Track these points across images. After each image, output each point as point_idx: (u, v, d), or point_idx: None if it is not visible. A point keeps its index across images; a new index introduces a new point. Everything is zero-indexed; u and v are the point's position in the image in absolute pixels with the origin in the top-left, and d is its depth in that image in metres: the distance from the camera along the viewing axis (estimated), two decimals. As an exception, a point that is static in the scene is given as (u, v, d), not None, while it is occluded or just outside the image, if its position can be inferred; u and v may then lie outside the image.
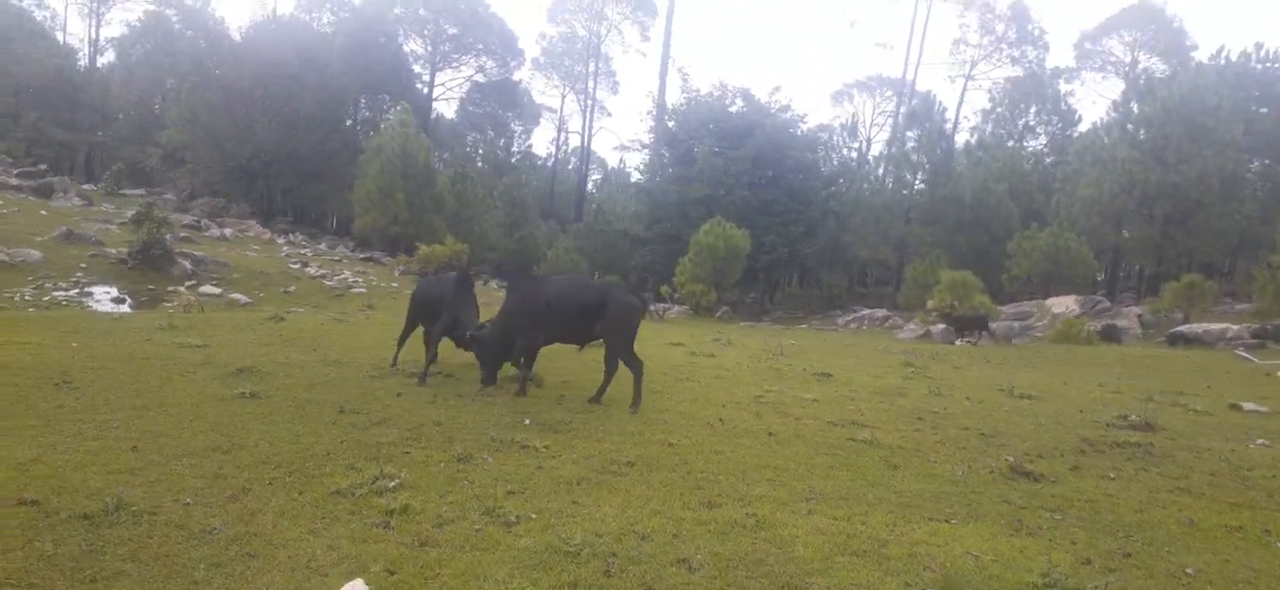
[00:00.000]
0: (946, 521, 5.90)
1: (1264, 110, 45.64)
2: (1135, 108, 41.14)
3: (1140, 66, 62.94)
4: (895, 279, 45.07)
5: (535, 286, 10.23)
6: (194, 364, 10.37)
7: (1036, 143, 57.87)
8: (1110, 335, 24.40)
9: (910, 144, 44.64)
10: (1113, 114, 43.20)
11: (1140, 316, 30.74)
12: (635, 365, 9.53)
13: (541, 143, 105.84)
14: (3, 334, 11.52)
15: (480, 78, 64.86)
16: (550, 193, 72.32)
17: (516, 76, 67.36)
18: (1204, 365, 17.72)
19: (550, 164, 78.30)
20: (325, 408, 8.36)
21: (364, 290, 24.00)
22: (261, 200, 47.32)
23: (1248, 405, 11.65)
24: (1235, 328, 23.42)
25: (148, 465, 6.10)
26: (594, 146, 74.76)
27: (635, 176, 67.04)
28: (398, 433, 7.50)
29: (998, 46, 67.87)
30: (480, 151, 69.56)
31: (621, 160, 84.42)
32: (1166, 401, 11.90)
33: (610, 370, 9.61)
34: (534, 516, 5.44)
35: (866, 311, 38.07)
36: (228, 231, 34.52)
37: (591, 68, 71.84)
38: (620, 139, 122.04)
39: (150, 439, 6.83)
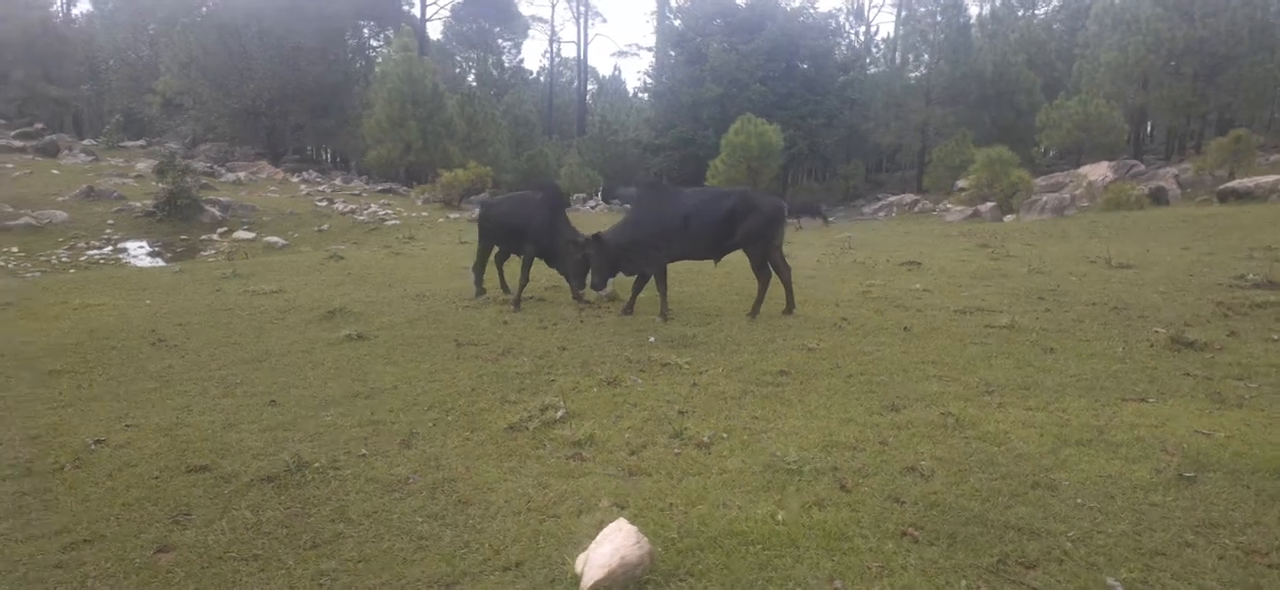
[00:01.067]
0: (1142, 400, 5.62)
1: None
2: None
3: None
4: (918, 163, 44.38)
5: (669, 199, 9.73)
6: (278, 310, 10.04)
7: (1047, 9, 56.44)
8: (1159, 198, 23.92)
9: (928, 21, 43.40)
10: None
11: (1176, 176, 30.24)
12: (784, 270, 9.15)
13: (531, 56, 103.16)
14: (73, 296, 11.19)
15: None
16: (548, 107, 70.79)
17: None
18: (1273, 218, 17.32)
19: (542, 78, 76.34)
20: (440, 343, 8.06)
21: (398, 222, 23.54)
22: (267, 140, 46.37)
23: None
24: (1287, 179, 22.91)
25: (295, 419, 5.83)
26: (587, 56, 72.64)
27: (635, 84, 65.72)
28: (529, 362, 7.20)
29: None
30: (473, 71, 68.08)
31: (617, 68, 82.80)
32: (1270, 256, 11.57)
33: (764, 280, 9.15)
34: (725, 436, 5.16)
35: (892, 198, 37.56)
36: (241, 175, 33.90)
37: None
38: (617, 45, 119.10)
39: (282, 391, 6.55)
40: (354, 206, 26.39)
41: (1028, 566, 3.49)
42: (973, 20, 47.28)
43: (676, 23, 47.55)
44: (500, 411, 5.84)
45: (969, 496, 4.14)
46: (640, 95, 74.92)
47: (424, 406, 6.03)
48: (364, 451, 5.14)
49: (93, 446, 5.33)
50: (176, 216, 22.30)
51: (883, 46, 53.07)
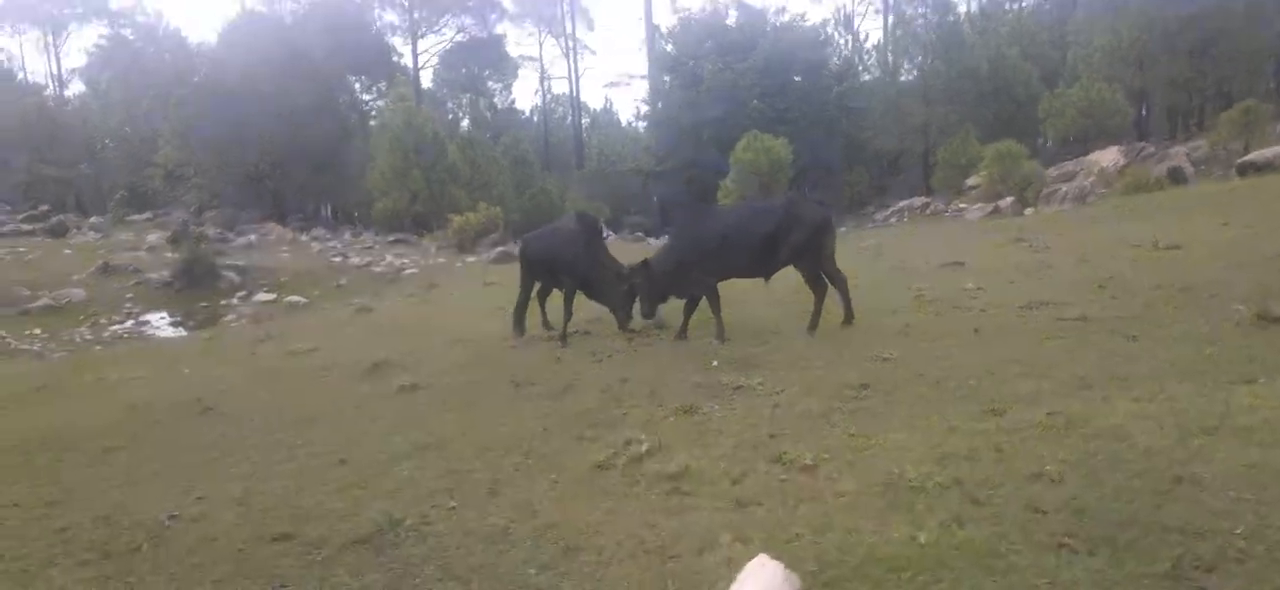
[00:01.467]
0: (1252, 381, 5.38)
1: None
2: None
3: None
4: (923, 165, 44.22)
5: (706, 218, 9.57)
6: (320, 368, 9.85)
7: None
8: (1177, 177, 23.74)
9: (919, 22, 43.43)
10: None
11: (1187, 154, 30.06)
12: (841, 280, 8.91)
13: (522, 96, 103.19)
14: (108, 372, 11.00)
15: (462, 38, 63.00)
16: (544, 145, 70.64)
17: (498, 30, 65.63)
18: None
19: (536, 117, 76.10)
20: (496, 386, 7.86)
21: (415, 271, 23.40)
22: (273, 202, 46.36)
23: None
24: (1305, 148, 22.71)
25: (369, 477, 5.61)
26: (579, 90, 72.25)
27: (628, 113, 65.71)
28: (594, 397, 6.98)
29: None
30: (466, 116, 68.00)
31: (608, 100, 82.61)
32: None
33: (820, 292, 8.90)
34: (827, 457, 4.93)
35: (902, 203, 37.34)
36: (252, 238, 33.85)
37: (565, 8, 70.01)
38: (608, 77, 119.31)
39: (347, 449, 6.33)
40: (369, 259, 26.28)
41: (1206, 569, 3.26)
42: (962, 18, 47.27)
43: (669, 48, 47.63)
44: (580, 450, 5.63)
45: (1111, 499, 3.91)
46: (635, 124, 75.08)
47: (499, 452, 5.81)
48: (452, 503, 4.93)
49: (167, 522, 5.12)
50: (195, 285, 22.17)
51: (874, 53, 53.20)
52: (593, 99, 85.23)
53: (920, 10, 44.48)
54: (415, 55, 59.23)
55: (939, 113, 42.09)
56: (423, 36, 60.04)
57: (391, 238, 34.11)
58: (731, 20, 45.93)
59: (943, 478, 4.35)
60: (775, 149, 27.32)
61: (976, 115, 40.88)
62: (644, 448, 5.41)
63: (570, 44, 70.86)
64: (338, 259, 26.98)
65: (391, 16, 58.83)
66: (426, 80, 69.20)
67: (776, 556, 3.58)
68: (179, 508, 5.38)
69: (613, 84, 79.57)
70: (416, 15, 57.86)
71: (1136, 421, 4.83)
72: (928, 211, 34.23)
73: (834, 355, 7.43)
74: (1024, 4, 54.90)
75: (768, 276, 9.21)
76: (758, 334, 8.86)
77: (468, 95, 69.26)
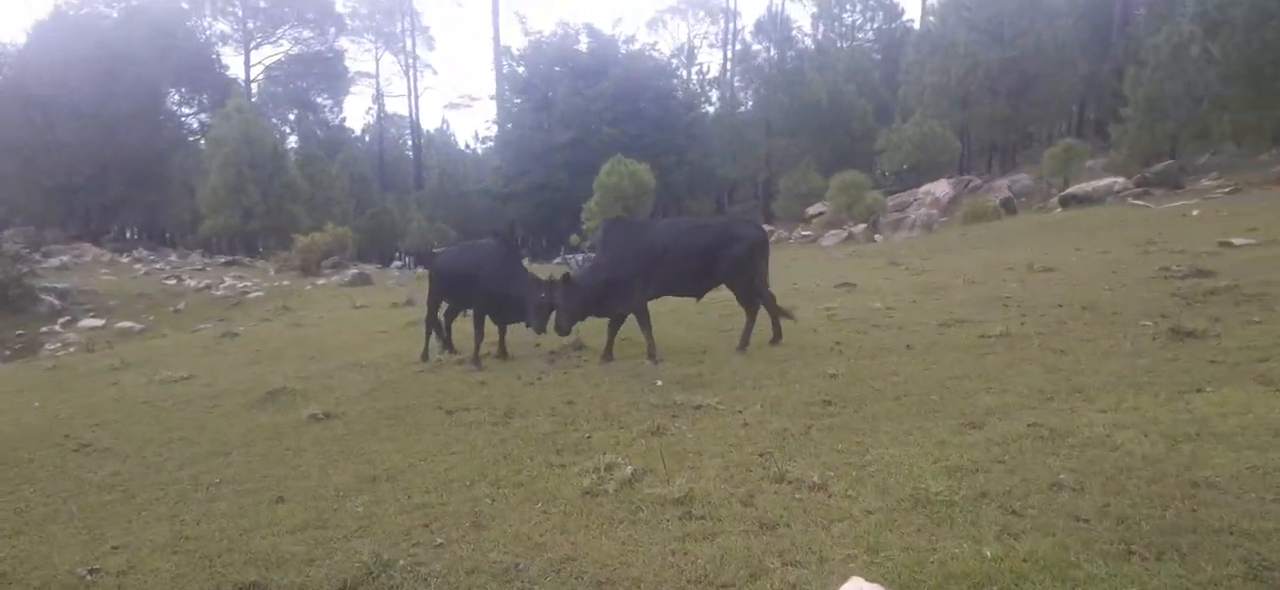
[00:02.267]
0: (1201, 390, 5.69)
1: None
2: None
3: None
4: (763, 194, 45.72)
5: (640, 233, 9.28)
6: (207, 397, 8.95)
7: (865, 38, 59.81)
8: (1009, 208, 25.57)
9: (761, 57, 45.01)
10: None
11: (1010, 186, 32.50)
12: (770, 298, 8.89)
13: (352, 113, 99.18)
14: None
15: (297, 50, 59.91)
16: (379, 164, 68.03)
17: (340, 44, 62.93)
18: (1123, 218, 18.77)
19: (366, 135, 72.97)
20: (424, 413, 7.33)
21: (262, 294, 21.83)
22: (84, 219, 42.24)
23: (1238, 240, 12.25)
24: (1120, 182, 25.00)
25: (322, 515, 5.06)
26: (418, 109, 70.08)
27: (466, 135, 64.43)
28: (546, 421, 6.60)
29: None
30: (293, 132, 64.55)
31: (444, 121, 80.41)
32: (1162, 249, 12.37)
33: (753, 312, 8.88)
34: (832, 474, 4.80)
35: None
36: (64, 259, 30.74)
37: (406, 25, 68.11)
38: (444, 98, 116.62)
39: (280, 485, 5.72)
40: (208, 281, 24.36)
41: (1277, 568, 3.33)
42: (801, 54, 49.35)
43: (520, 70, 47.17)
44: (558, 476, 5.27)
45: (1143, 505, 3.97)
46: (475, 147, 73.98)
47: (464, 482, 5.37)
48: (438, 540, 4.47)
49: (88, 577, 4.42)
50: (7, 308, 19.82)
51: (719, 85, 54.80)
52: (427, 120, 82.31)
53: (762, 45, 46.05)
54: (247, 67, 55.95)
55: (780, 143, 43.71)
56: (257, 47, 56.74)
57: (225, 259, 31.81)
58: (583, 46, 45.99)
59: (967, 491, 4.31)
60: (639, 174, 27.47)
61: (815, 147, 42.73)
62: (629, 471, 5.11)
63: (410, 61, 69.07)
64: (171, 281, 24.84)
65: (222, 25, 55.26)
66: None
67: (865, 578, 3.41)
68: (95, 560, 4.66)
69: (454, 105, 77.74)
70: (250, 24, 54.64)
71: (1120, 431, 4.97)
72: (773, 238, 35.33)
73: (779, 373, 7.37)
74: (858, 42, 57.93)
75: (700, 295, 9.13)
76: (690, 353, 8.73)
77: (295, 111, 65.89)
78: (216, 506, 5.43)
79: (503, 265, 9.19)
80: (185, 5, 52.73)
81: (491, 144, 69.33)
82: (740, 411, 6.28)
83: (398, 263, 38.28)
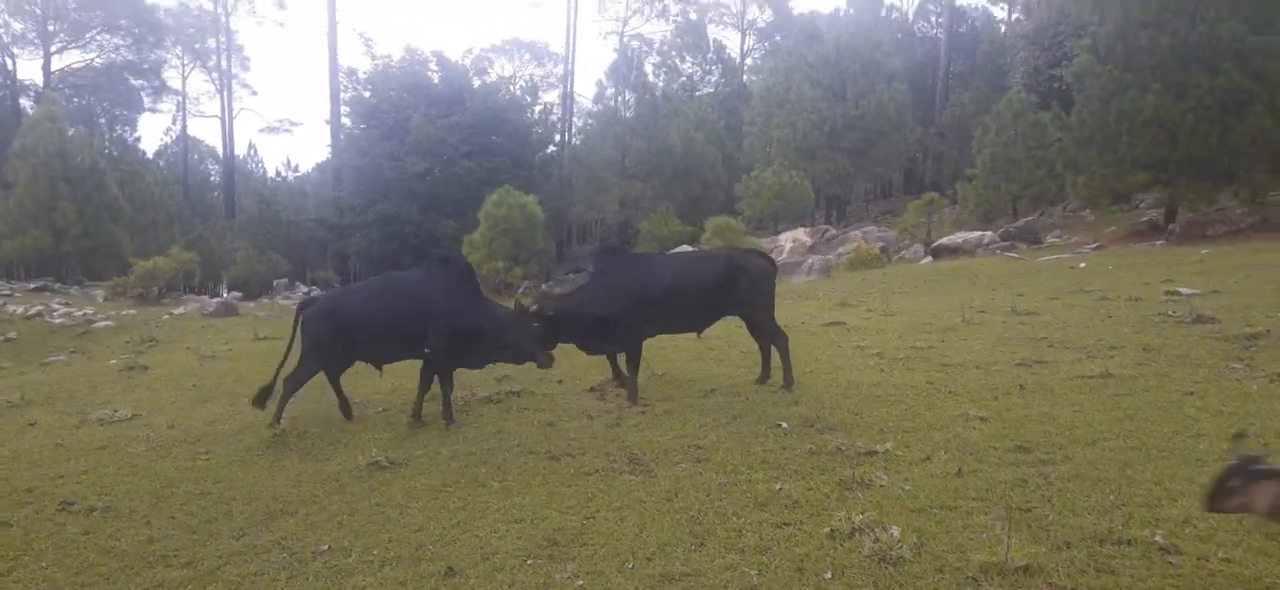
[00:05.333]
0: None
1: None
2: (804, 48, 45.02)
3: (749, 17, 70.35)
4: (620, 236, 45.47)
5: (640, 267, 8.40)
6: (182, 442, 7.40)
7: (707, 91, 61.30)
8: (888, 255, 26.45)
9: (617, 100, 44.99)
10: (774, 58, 47.14)
11: (862, 236, 33.83)
12: (781, 337, 8.24)
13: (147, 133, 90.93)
14: None
15: (102, 60, 53.91)
16: (184, 188, 61.98)
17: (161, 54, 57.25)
18: (1015, 268, 19.72)
19: (159, 159, 66.29)
20: (517, 459, 6.26)
21: (112, 323, 18.91)
22: None
23: (1184, 290, 12.88)
24: (988, 235, 26.44)
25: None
26: (233, 131, 64.47)
27: (279, 163, 60.14)
28: (699, 469, 5.74)
29: (647, 1, 70.14)
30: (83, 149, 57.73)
31: (252, 147, 74.84)
32: (1117, 299, 12.79)
33: (767, 347, 8.35)
34: (914, 537, 4.27)
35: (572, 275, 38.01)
36: None
37: (220, 41, 63.03)
38: (261, 121, 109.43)
39: (425, 551, 4.55)
40: (39, 308, 20.91)
41: None
42: (658, 97, 49.77)
43: (367, 95, 44.65)
44: (805, 539, 4.44)
45: None
46: (287, 174, 69.56)
47: (683, 545, 4.45)
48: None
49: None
50: None
51: (561, 126, 54.47)
52: (237, 144, 75.31)
53: (615, 87, 46.10)
54: (47, 73, 49.73)
55: (636, 187, 43.67)
56: (60, 51, 50.55)
57: (34, 284, 27.65)
58: (436, 74, 44.23)
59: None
60: (529, 206, 26.30)
61: (670, 192, 42.97)
62: (894, 532, 4.37)
63: (225, 80, 64.00)
64: (-16, 307, 21.15)
65: (18, 25, 48.86)
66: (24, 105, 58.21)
67: None
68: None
69: (272, 128, 72.19)
70: (51, 27, 48.76)
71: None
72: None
73: (908, 413, 6.79)
74: (700, 93, 59.23)
75: (702, 329, 8.62)
76: (736, 391, 7.99)
77: (77, 127, 58.87)
78: (356, 583, 4.21)
79: (464, 296, 7.72)
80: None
81: (318, 172, 65.69)
82: (927, 458, 5.63)
83: (231, 293, 34.76)
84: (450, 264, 8.33)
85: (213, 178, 74.14)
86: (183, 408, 8.94)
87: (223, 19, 61.19)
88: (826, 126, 41.87)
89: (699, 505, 5.03)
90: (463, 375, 8.22)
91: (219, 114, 63.38)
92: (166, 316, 19.72)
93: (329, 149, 51.54)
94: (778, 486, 5.23)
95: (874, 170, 45.13)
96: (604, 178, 43.44)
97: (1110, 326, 10.27)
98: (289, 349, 7.65)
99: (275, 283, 35.67)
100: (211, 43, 62.52)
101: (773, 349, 8.39)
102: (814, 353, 9.94)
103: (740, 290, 8.18)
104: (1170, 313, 10.69)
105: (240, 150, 71.46)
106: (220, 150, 68.59)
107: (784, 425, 6.63)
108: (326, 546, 4.82)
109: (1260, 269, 15.06)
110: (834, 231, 37.13)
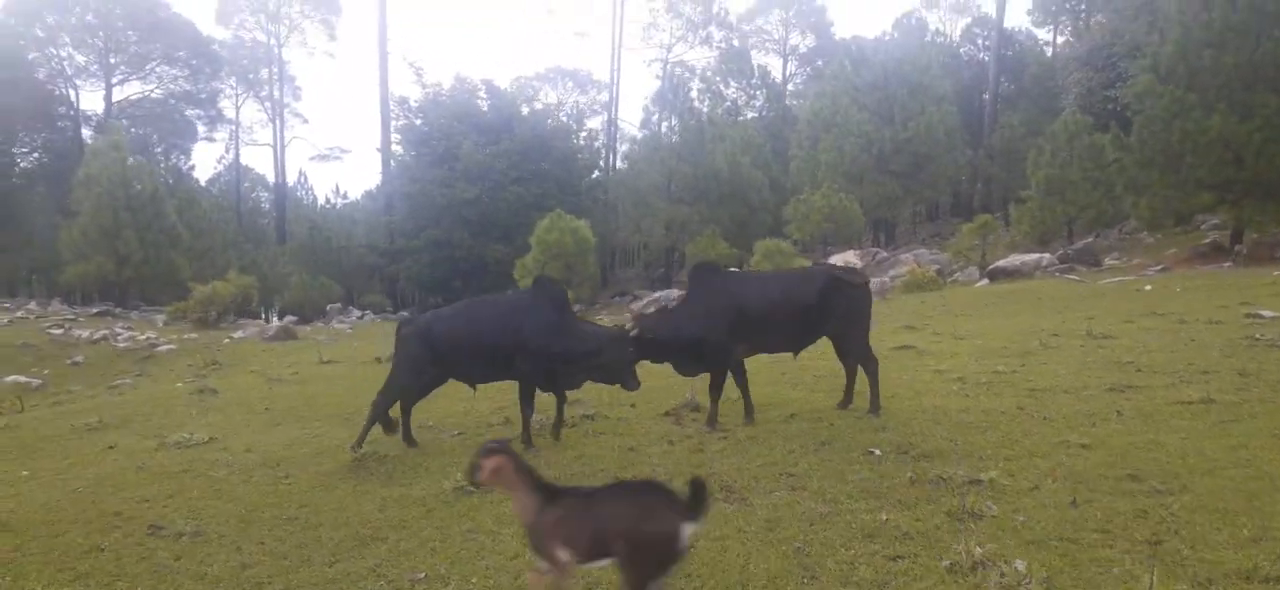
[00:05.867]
0: None
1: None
2: (851, 72, 44.81)
3: (791, 43, 70.47)
4: (665, 261, 45.47)
5: (738, 285, 8.31)
6: (259, 465, 7.46)
7: (752, 115, 61.23)
8: (944, 277, 26.07)
9: (662, 125, 45.10)
10: (819, 83, 46.93)
11: (915, 259, 33.40)
12: (872, 362, 8.06)
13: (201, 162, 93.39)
14: None
15: (158, 92, 55.32)
16: (237, 214, 63.28)
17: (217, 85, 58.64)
18: (1077, 292, 19.28)
19: (212, 187, 67.64)
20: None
21: (174, 347, 19.26)
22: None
23: (1265, 312, 12.44)
24: (1046, 257, 25.97)
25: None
26: (284, 159, 65.80)
27: (328, 190, 60.82)
28: (800, 500, 5.56)
29: (691, 28, 70.44)
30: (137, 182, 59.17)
31: (302, 174, 75.85)
32: (1194, 321, 12.37)
33: (853, 371, 8.22)
34: (1043, 572, 4.03)
35: (661, 293, 37.88)
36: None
37: (273, 72, 64.41)
38: (311, 149, 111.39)
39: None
40: (104, 332, 21.36)
41: None
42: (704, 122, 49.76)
43: (418, 123, 45.25)
44: (880, 563, 4.25)
45: None
46: (335, 201, 70.58)
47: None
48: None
49: None
50: None
51: (605, 151, 54.73)
52: (272, 171, 76.23)
53: (662, 113, 46.20)
54: (108, 104, 51.06)
55: (682, 212, 43.65)
56: (121, 83, 51.90)
57: (97, 309, 28.27)
58: (482, 102, 44.72)
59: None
60: (581, 230, 26.38)
61: (716, 216, 42.87)
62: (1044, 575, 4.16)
63: (277, 110, 65.30)
64: (57, 331, 21.62)
65: (81, 57, 50.28)
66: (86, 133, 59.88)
67: None
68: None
69: (322, 156, 73.60)
70: (112, 59, 50.11)
71: None
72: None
73: (1003, 439, 6.57)
74: (745, 116, 59.19)
75: (799, 350, 8.40)
76: (817, 416, 7.80)
77: (136, 157, 60.39)
78: None
79: (556, 320, 7.69)
80: (40, 33, 47.79)
81: (367, 198, 66.60)
82: (1035, 487, 5.42)
83: (286, 317, 35.30)
84: (544, 286, 8.17)
85: (264, 205, 75.79)
86: (258, 431, 9.00)
87: (276, 50, 62.84)
88: (875, 149, 41.58)
89: (802, 536, 4.89)
90: (537, 398, 8.15)
91: (271, 142, 64.86)
92: (227, 340, 20.00)
93: (379, 176, 52.33)
94: (883, 516, 5.06)
95: (923, 193, 44.69)
96: (650, 202, 43.44)
97: (1196, 350, 9.94)
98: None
99: (328, 307, 36.11)
100: (264, 73, 64.17)
101: (858, 373, 8.21)
102: (890, 376, 9.71)
103: (838, 310, 7.98)
104: (1258, 336, 10.34)
105: (290, 178, 72.75)
106: (271, 178, 70.29)
107: (877, 452, 6.46)
108: (423, 574, 4.76)
109: (1342, 292, 14.58)
110: (884, 254, 36.74)
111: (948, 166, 42.61)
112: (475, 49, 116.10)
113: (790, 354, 8.59)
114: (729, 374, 8.03)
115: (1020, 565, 4.19)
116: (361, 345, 18.95)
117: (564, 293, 8.34)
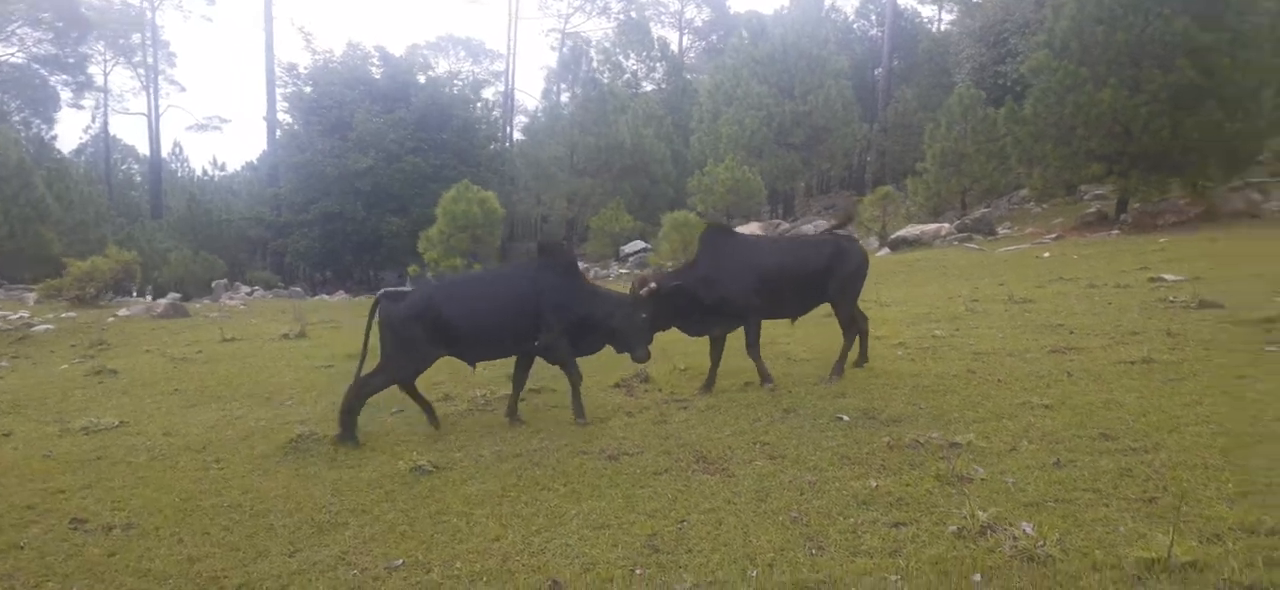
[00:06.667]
0: None
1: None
2: (750, 45, 45.15)
3: (687, 16, 70.99)
4: (569, 232, 44.97)
5: (750, 247, 8.19)
6: (184, 450, 6.84)
7: (651, 88, 61.11)
8: (849, 249, 26.53)
9: (563, 96, 44.46)
10: (718, 56, 47.13)
11: (815, 231, 33.96)
12: (853, 329, 8.20)
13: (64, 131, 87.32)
14: None
15: (20, 56, 51.14)
16: (108, 188, 59.20)
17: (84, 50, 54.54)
18: (982, 261, 19.90)
19: (80, 156, 63.41)
20: (575, 460, 5.83)
21: (52, 327, 17.77)
22: None
23: (1168, 276, 13.03)
24: (945, 227, 26.75)
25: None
26: (159, 128, 61.93)
27: (205, 162, 57.74)
28: (778, 468, 5.41)
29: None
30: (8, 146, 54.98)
31: (177, 145, 71.62)
32: (1081, 284, 12.86)
33: (851, 334, 8.18)
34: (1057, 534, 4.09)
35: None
36: None
37: (146, 37, 60.49)
38: (195, 117, 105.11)
39: (515, 563, 4.16)
40: (-30, 311, 19.57)
41: None
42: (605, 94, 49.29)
43: (308, 90, 43.25)
44: (930, 539, 4.16)
45: None
46: (213, 172, 67.37)
47: (806, 546, 4.10)
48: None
49: None
50: None
51: (526, 119, 53.74)
52: (143, 143, 71.69)
53: (565, 84, 45.54)
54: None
55: (586, 184, 43.23)
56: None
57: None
58: (377, 70, 43.08)
59: None
60: (489, 201, 25.62)
61: (619, 188, 42.61)
62: (1028, 528, 4.12)
63: (151, 76, 61.45)
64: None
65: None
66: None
67: None
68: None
69: (201, 126, 69.54)
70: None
71: None
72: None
73: (967, 402, 6.56)
74: (644, 89, 59.01)
75: (797, 317, 8.36)
76: (797, 383, 7.70)
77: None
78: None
79: (572, 287, 7.37)
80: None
81: (250, 170, 63.59)
82: (1012, 448, 5.42)
83: (171, 295, 33.22)
84: (553, 250, 7.65)
85: (136, 177, 71.38)
86: (173, 414, 8.31)
87: (149, 14, 58.97)
88: (775, 123, 42.01)
89: (797, 506, 4.73)
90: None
91: (145, 111, 60.89)
92: (111, 318, 18.60)
93: (264, 146, 49.94)
94: (873, 483, 4.95)
95: (821, 166, 45.50)
96: (552, 174, 42.84)
97: (1117, 312, 10.29)
98: (365, 351, 7.01)
99: (214, 284, 34.23)
100: (136, 38, 60.15)
101: (846, 334, 8.23)
102: (829, 344, 9.73)
103: (840, 275, 8.03)
104: (1171, 299, 10.75)
105: (165, 149, 68.66)
106: (142, 148, 66.14)
107: (845, 418, 6.37)
108: (401, 561, 4.39)
109: (1227, 256, 15.41)
110: (785, 226, 37.17)
111: (845, 139, 43.40)
112: (367, 14, 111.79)
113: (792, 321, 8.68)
114: (710, 342, 7.94)
115: (1028, 527, 4.11)
116: (261, 322, 17.99)
117: (573, 255, 7.98)
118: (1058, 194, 27.10)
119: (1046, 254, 19.84)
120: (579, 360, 7.24)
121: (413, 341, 6.85)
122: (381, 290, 7.51)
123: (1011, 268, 17.61)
